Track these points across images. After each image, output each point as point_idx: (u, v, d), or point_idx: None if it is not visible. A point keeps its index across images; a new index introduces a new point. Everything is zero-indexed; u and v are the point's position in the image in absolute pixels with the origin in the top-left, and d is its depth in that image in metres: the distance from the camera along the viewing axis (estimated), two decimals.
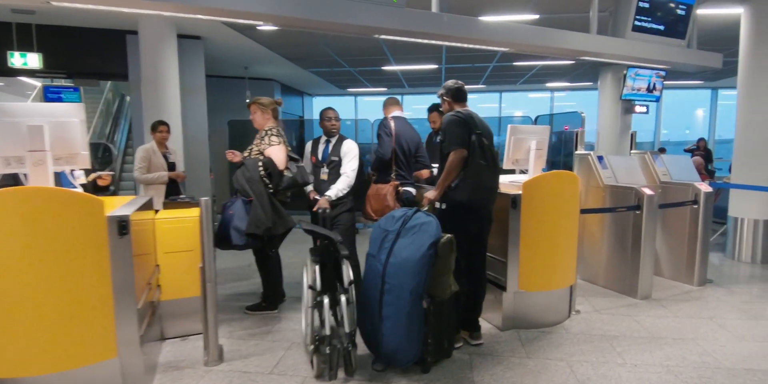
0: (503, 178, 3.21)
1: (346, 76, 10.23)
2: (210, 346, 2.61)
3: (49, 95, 9.10)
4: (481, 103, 15.09)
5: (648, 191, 3.57)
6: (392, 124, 3.33)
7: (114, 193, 4.88)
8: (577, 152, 4.08)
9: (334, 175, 3.25)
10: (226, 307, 3.51)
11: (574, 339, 2.90)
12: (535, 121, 8.35)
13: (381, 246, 2.49)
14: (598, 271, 3.95)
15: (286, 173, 3.04)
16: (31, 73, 6.00)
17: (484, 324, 3.11)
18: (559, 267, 3.09)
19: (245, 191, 2.90)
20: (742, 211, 4.83)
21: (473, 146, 2.55)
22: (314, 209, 3.12)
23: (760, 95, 4.71)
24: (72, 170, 2.88)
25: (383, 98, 3.71)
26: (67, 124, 2.20)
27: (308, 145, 3.47)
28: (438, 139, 3.96)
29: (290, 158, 3.11)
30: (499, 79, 11.21)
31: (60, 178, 2.82)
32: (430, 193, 2.67)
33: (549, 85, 12.20)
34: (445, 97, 2.82)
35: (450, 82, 2.84)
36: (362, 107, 13.43)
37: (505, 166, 3.19)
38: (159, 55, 5.72)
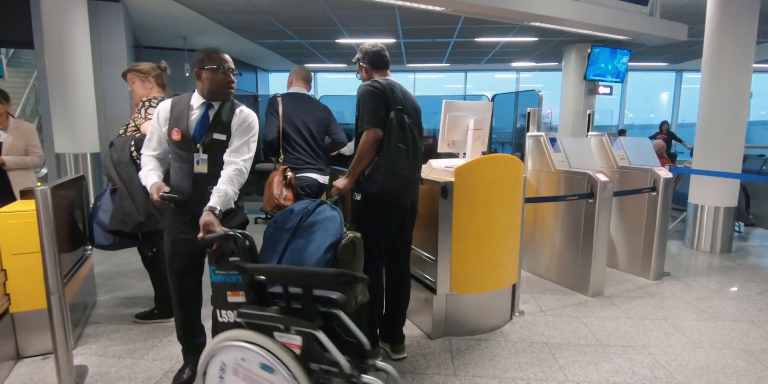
0: (439, 163, 2.75)
1: (299, 50, 9.51)
2: (62, 370, 2.08)
3: None
4: (448, 83, 14.61)
5: (602, 177, 3.18)
6: (280, 101, 2.76)
7: None
8: (529, 133, 3.66)
9: (216, 165, 1.92)
10: (115, 315, 2.97)
11: (512, 348, 2.51)
12: (492, 100, 7.94)
13: (274, 248, 2.00)
14: (549, 265, 3.59)
15: None
16: None
17: (414, 330, 2.69)
18: (499, 265, 2.68)
19: (112, 177, 2.34)
20: (703, 197, 4.56)
21: (391, 125, 2.05)
22: (200, 237, 1.73)
23: (724, 76, 4.38)
24: None
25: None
26: None
27: (162, 110, 1.98)
28: None
29: None
30: (462, 57, 10.71)
31: None
32: (340, 182, 2.18)
33: (514, 64, 11.78)
34: (361, 63, 2.29)
35: (367, 45, 2.32)
36: (323, 84, 12.71)
37: (440, 149, 2.73)
38: (64, 19, 4.93)
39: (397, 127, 2.07)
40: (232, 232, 1.65)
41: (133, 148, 2.38)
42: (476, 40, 8.34)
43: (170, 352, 2.46)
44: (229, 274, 1.65)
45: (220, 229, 1.73)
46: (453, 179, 2.42)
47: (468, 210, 2.46)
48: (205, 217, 1.78)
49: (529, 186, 3.57)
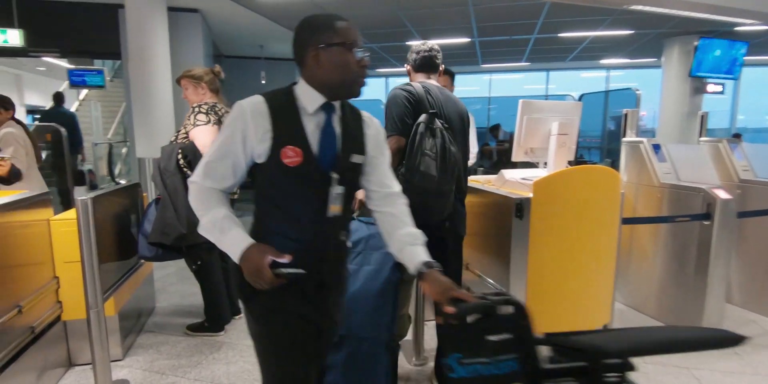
0: (513, 174, 2.35)
1: (371, 54, 9.39)
2: None
3: (73, 79, 9.03)
4: (526, 84, 13.79)
5: (722, 194, 2.57)
6: None
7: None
8: (625, 139, 3.10)
9: (348, 202, 1.26)
10: (168, 324, 2.91)
11: None
12: (579, 100, 7.18)
13: None
14: (648, 297, 3.00)
15: None
16: (22, 52, 5.63)
17: None
18: (587, 301, 2.21)
19: (157, 186, 2.25)
20: None
21: (416, 130, 1.78)
22: (450, 311, 1.01)
23: None
24: None
25: None
26: None
27: (253, 115, 1.14)
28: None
29: None
30: (544, 55, 9.96)
31: None
32: (361, 192, 1.92)
33: (604, 61, 10.74)
34: (406, 64, 2.07)
35: (417, 44, 2.06)
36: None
37: (515, 157, 2.33)
38: (146, 30, 5.18)
39: (426, 133, 1.76)
40: (506, 295, 1.08)
41: (179, 156, 2.27)
42: (560, 35, 7.65)
43: (212, 372, 2.31)
44: (496, 361, 1.07)
45: (467, 295, 1.07)
46: (531, 195, 2.02)
47: (549, 233, 2.04)
48: (445, 279, 1.10)
49: (626, 203, 3.02)
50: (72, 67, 10.75)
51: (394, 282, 1.57)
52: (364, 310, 1.55)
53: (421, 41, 2.05)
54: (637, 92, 4.06)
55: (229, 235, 1.13)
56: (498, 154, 6.15)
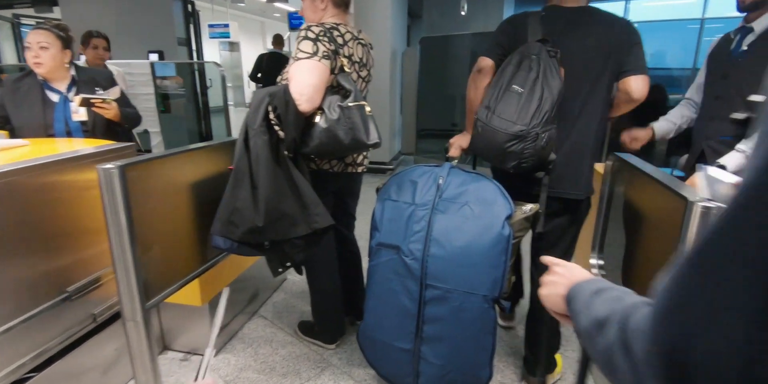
0: None
1: None
2: None
3: (293, 21, 9.56)
4: None
5: None
6: None
7: None
8: None
9: None
10: (285, 311, 2.40)
11: None
12: None
13: (406, 228, 1.42)
14: None
15: (318, 120, 1.45)
16: None
17: None
18: None
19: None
20: None
21: (510, 61, 1.38)
22: None
23: None
24: (69, 101, 2.02)
25: None
26: None
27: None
28: (742, 47, 1.79)
29: (336, 89, 1.49)
30: None
31: (52, 112, 2.02)
32: (458, 138, 1.64)
33: None
34: None
35: None
36: (636, 11, 9.61)
37: None
38: None
39: (520, 64, 1.36)
40: None
41: (269, 107, 1.44)
42: None
43: None
44: None
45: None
46: None
47: None
48: None
49: None
50: (293, 10, 11.41)
51: (506, 237, 1.35)
52: (474, 265, 1.39)
53: None
54: None
55: None
56: None
